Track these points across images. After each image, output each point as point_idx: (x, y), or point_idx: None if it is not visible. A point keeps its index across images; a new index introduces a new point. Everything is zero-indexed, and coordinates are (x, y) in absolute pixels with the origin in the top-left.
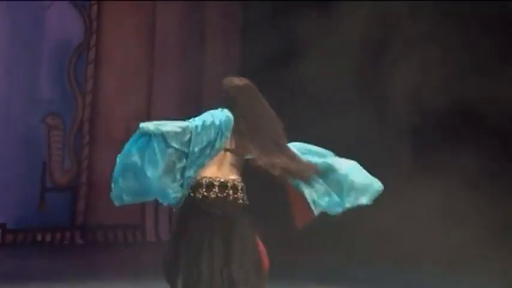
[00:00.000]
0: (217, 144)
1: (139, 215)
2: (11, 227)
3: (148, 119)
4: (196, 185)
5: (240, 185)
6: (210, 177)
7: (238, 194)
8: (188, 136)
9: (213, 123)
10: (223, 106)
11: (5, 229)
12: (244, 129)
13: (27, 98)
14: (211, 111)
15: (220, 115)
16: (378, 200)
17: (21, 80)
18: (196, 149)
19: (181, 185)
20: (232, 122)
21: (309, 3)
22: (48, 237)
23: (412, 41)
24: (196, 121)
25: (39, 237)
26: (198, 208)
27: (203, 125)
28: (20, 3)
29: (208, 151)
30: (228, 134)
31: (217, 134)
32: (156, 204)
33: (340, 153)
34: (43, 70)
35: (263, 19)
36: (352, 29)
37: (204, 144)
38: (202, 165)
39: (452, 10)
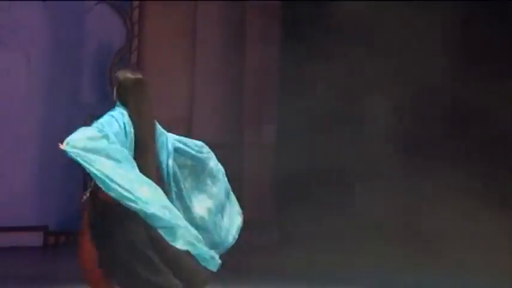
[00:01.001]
0: (132, 146)
1: None
2: (53, 229)
3: (190, 122)
4: None
5: None
6: None
7: None
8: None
9: (120, 128)
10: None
11: (47, 231)
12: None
13: (69, 101)
14: (112, 113)
15: (121, 117)
16: None
17: (63, 83)
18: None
19: None
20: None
21: (347, 2)
22: None
23: None
24: (106, 129)
25: None
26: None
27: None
28: (62, 7)
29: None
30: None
31: (125, 136)
32: None
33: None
34: (84, 73)
35: (302, 18)
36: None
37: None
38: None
39: None
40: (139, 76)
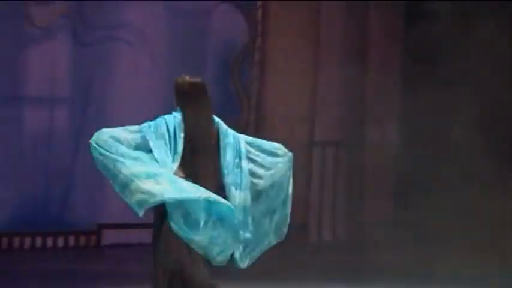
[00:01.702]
0: (179, 149)
1: (303, 215)
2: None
3: (313, 120)
4: None
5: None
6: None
7: None
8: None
9: (167, 130)
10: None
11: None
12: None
13: None
14: (165, 116)
15: (172, 120)
16: None
17: None
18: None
19: None
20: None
21: (469, 7)
22: None
23: None
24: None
25: None
26: None
27: (158, 134)
28: (186, 7)
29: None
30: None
31: (174, 139)
32: (320, 204)
33: None
34: (207, 72)
35: (424, 22)
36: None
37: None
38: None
39: None
40: (196, 80)
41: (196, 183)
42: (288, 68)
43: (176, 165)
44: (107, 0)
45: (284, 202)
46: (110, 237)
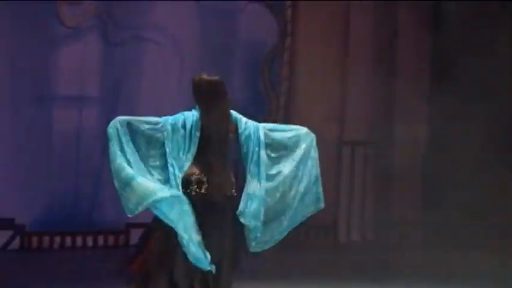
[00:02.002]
0: (192, 148)
1: (332, 216)
2: None
3: (341, 120)
4: (186, 183)
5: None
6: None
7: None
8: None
9: (184, 127)
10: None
11: None
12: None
13: None
14: (184, 113)
15: (190, 118)
16: None
17: None
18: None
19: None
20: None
21: (499, 2)
22: None
23: None
24: (170, 120)
25: None
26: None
27: (175, 128)
28: (215, 6)
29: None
30: (198, 134)
31: (190, 137)
32: (349, 204)
33: None
34: (236, 71)
35: (454, 18)
36: None
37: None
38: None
39: None
40: (213, 78)
41: (209, 179)
42: (317, 68)
43: (188, 164)
44: (137, 0)
45: (316, 181)
46: (138, 236)
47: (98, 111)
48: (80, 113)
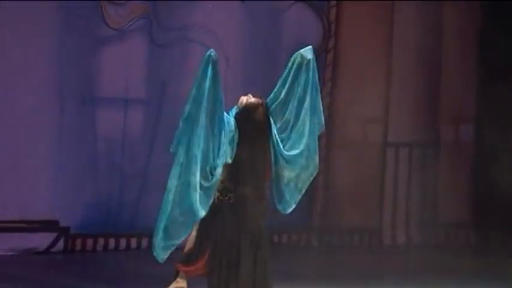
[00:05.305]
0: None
1: (377, 218)
2: None
3: (386, 121)
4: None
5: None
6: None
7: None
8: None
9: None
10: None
11: None
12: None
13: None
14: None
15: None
16: None
17: (259, 81)
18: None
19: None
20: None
21: None
22: (284, 238)
23: None
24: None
25: (275, 238)
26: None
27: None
28: (260, 7)
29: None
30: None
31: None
32: (394, 208)
33: None
34: (279, 71)
35: (501, 19)
36: None
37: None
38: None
39: None
40: (254, 101)
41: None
42: (361, 68)
43: (220, 170)
44: (182, 1)
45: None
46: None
47: (144, 112)
48: (125, 114)
